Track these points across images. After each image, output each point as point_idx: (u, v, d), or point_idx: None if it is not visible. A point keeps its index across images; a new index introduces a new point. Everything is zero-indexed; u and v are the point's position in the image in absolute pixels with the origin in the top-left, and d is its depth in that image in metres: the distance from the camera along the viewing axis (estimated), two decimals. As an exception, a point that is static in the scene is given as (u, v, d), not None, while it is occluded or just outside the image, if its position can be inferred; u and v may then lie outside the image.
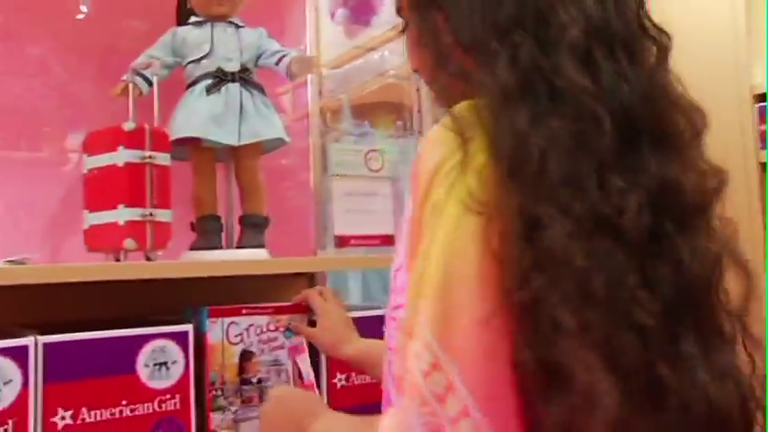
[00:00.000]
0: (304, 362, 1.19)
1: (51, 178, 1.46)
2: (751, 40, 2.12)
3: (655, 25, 0.66)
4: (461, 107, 0.62)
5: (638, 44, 0.64)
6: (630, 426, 0.53)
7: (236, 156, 1.37)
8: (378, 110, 1.85)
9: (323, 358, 1.26)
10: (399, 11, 0.81)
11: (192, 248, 1.33)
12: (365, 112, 1.83)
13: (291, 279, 1.48)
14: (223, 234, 1.38)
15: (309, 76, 1.60)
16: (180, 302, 1.26)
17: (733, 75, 2.13)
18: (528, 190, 0.56)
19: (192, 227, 1.35)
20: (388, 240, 1.36)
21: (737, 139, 2.06)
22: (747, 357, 0.62)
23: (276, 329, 1.24)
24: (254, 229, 1.36)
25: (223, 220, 1.38)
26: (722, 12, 2.16)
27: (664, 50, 0.65)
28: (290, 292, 1.37)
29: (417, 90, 1.63)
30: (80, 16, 1.47)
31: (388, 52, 1.74)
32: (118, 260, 1.19)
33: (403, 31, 0.80)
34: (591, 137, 0.58)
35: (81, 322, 1.11)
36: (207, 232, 1.34)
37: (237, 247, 1.35)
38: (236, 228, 1.39)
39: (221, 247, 1.35)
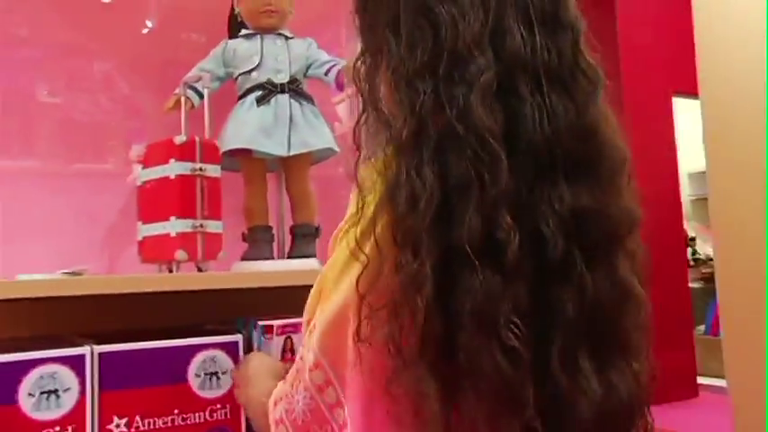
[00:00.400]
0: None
1: (113, 190, 1.50)
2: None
3: (589, 63, 0.68)
4: (368, 167, 0.67)
5: (571, 80, 0.66)
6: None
7: (287, 166, 1.38)
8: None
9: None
10: None
11: (243, 259, 1.34)
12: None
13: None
14: (274, 244, 1.39)
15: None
16: (231, 313, 1.28)
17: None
18: (398, 230, 0.62)
19: (244, 237, 1.37)
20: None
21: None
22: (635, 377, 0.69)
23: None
24: (305, 239, 1.37)
25: (274, 231, 1.39)
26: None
27: (594, 86, 0.68)
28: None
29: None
30: (144, 31, 1.52)
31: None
32: (170, 271, 1.21)
33: None
34: (485, 175, 0.60)
35: (135, 332, 1.14)
36: (258, 242, 1.35)
37: (289, 258, 1.36)
38: (288, 238, 1.40)
39: (272, 258, 1.36)
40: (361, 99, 0.69)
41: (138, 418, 1.07)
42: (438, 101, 0.63)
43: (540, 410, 0.61)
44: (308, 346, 0.72)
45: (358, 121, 0.68)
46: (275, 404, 0.79)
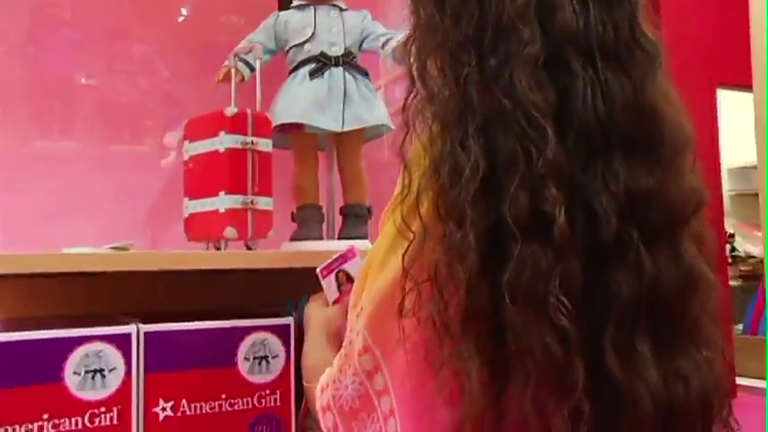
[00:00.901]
0: (357, 266, 0.99)
1: (153, 169, 1.46)
2: None
3: (647, 37, 0.66)
4: (416, 143, 0.66)
5: (628, 55, 0.64)
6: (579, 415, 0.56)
7: (339, 143, 1.32)
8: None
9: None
10: None
11: (292, 239, 1.29)
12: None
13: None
14: (324, 225, 1.33)
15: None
16: (281, 295, 1.22)
17: None
18: (442, 203, 0.61)
19: (293, 217, 1.31)
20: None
21: None
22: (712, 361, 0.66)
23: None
24: (356, 219, 1.31)
25: (324, 210, 1.33)
26: None
27: (653, 62, 0.65)
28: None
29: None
30: (183, 11, 1.47)
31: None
32: (218, 249, 1.16)
33: None
34: (532, 150, 0.59)
35: (181, 313, 1.09)
36: (308, 222, 1.29)
37: (339, 239, 1.30)
38: (338, 218, 1.34)
39: (322, 238, 1.31)
40: (409, 77, 0.68)
41: (184, 401, 1.02)
42: (483, 74, 0.62)
43: (592, 397, 0.57)
44: (355, 330, 0.71)
45: (407, 99, 0.67)
46: (322, 391, 0.76)
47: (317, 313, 1.01)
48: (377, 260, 0.69)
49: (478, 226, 0.59)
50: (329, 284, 0.99)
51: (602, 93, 0.62)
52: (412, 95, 0.67)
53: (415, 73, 0.67)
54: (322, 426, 0.74)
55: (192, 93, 1.47)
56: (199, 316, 1.07)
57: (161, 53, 1.49)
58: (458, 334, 0.59)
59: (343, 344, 0.74)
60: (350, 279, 0.95)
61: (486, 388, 0.57)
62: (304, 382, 0.94)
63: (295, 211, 1.31)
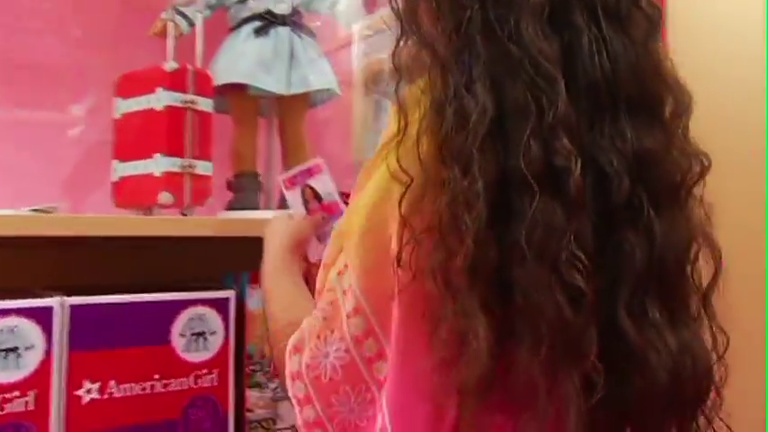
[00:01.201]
0: (323, 182, 0.91)
1: (75, 129, 1.33)
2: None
3: (649, 1, 0.65)
4: (411, 87, 0.62)
5: (629, 16, 0.62)
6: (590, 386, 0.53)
7: (282, 107, 1.24)
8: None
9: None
10: None
11: (228, 208, 1.20)
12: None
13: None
14: (261, 194, 1.25)
15: (356, 34, 1.46)
16: (218, 267, 1.14)
17: None
18: (446, 147, 0.57)
19: (229, 185, 1.22)
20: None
21: None
22: (711, 338, 0.63)
23: (323, 299, 1.11)
24: (297, 189, 1.23)
25: (261, 179, 1.25)
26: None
27: (655, 24, 0.64)
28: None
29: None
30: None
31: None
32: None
33: None
34: (543, 99, 0.56)
35: (108, 287, 0.99)
36: (245, 191, 1.21)
37: (279, 209, 1.22)
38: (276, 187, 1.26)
39: (260, 208, 1.23)
40: (399, 20, 0.64)
41: (112, 382, 0.93)
42: (486, 19, 0.58)
43: (605, 364, 0.54)
44: (340, 288, 0.63)
45: (397, 45, 0.63)
46: (294, 352, 0.67)
47: (280, 224, 0.93)
48: (363, 209, 0.63)
49: (487, 174, 0.54)
50: (294, 197, 0.90)
51: (607, 51, 0.59)
52: (403, 40, 0.62)
53: (405, 18, 0.63)
54: (289, 393, 0.66)
55: (115, 50, 1.34)
56: (129, 289, 0.98)
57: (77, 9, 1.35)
58: (463, 289, 0.54)
59: (318, 306, 0.67)
60: (317, 197, 0.88)
61: (491, 349, 0.53)
62: (263, 307, 0.84)
63: (232, 178, 1.22)
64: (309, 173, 0.79)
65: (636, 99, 0.60)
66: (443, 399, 0.57)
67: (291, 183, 0.80)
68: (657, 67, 0.63)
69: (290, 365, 0.66)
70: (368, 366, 0.62)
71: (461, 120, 0.56)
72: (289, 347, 0.68)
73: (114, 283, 1.03)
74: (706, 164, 0.64)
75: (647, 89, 0.61)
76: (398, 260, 0.57)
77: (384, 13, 1.63)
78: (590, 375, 0.53)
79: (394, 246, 0.58)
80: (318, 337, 0.65)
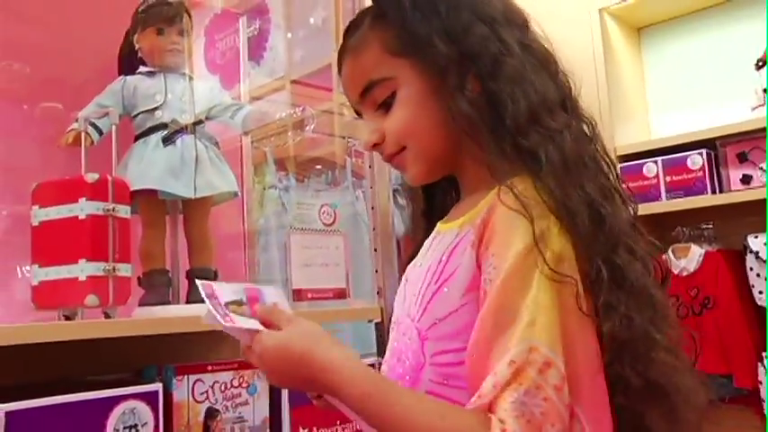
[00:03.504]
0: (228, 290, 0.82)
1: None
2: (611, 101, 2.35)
3: None
4: (522, 188, 0.72)
5: None
6: None
7: (187, 208, 1.34)
8: (303, 163, 1.88)
9: (285, 410, 1.25)
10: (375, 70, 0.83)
11: (141, 304, 1.27)
12: (287, 165, 1.86)
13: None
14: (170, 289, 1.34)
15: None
16: (137, 361, 1.21)
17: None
18: (595, 246, 0.72)
19: (139, 282, 1.30)
20: (341, 294, 1.38)
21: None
22: None
23: (240, 385, 1.22)
24: (203, 282, 1.33)
25: (170, 275, 1.34)
26: (584, 74, 2.38)
27: None
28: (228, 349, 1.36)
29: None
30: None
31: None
32: (68, 318, 1.12)
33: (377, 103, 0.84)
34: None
35: (23, 386, 1.04)
36: (156, 287, 1.29)
37: (187, 302, 1.31)
38: (183, 282, 1.35)
39: (170, 302, 1.31)
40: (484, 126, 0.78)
41: (49, 482, 0.98)
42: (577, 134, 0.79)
43: None
44: (525, 345, 0.65)
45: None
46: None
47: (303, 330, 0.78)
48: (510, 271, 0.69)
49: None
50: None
51: None
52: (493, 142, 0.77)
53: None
54: None
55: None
56: (55, 389, 1.03)
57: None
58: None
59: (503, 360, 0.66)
60: (242, 303, 0.81)
61: None
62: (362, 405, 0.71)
63: (142, 275, 1.30)
64: (209, 293, 0.78)
65: None
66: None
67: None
68: None
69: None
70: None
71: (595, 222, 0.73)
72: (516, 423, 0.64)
73: (34, 383, 1.07)
74: None
75: None
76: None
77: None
78: None
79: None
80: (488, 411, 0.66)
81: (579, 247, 0.70)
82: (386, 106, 0.84)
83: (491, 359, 0.66)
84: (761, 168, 2.23)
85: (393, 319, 0.88)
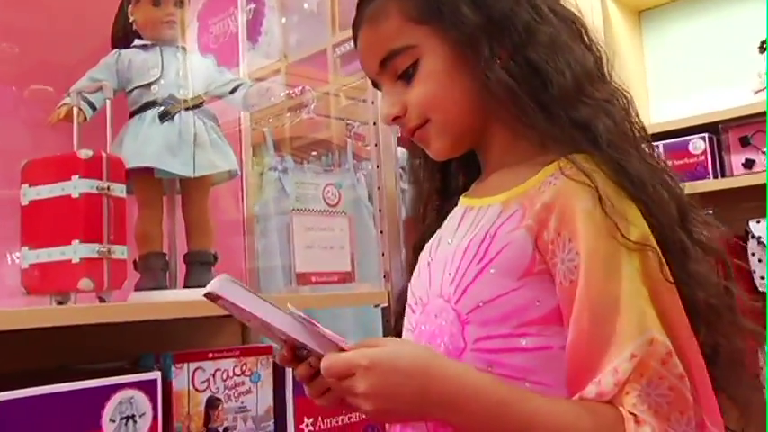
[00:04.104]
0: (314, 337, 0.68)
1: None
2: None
3: None
4: (584, 162, 0.69)
5: None
6: None
7: (186, 188, 1.28)
8: (302, 147, 1.83)
9: (289, 399, 1.20)
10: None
11: (137, 288, 1.21)
12: (284, 147, 1.80)
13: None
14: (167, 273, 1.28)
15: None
16: (134, 348, 1.15)
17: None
18: (668, 215, 0.69)
19: (135, 265, 1.24)
20: (346, 278, 1.33)
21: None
22: None
23: (242, 373, 1.16)
24: (201, 266, 1.27)
25: (167, 258, 1.28)
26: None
27: None
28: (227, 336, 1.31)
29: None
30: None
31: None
32: (60, 303, 1.06)
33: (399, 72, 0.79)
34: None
35: (18, 374, 0.98)
36: (152, 271, 1.23)
37: (185, 287, 1.25)
38: (181, 266, 1.29)
39: (167, 287, 1.25)
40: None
41: (43, 475, 0.92)
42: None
43: None
44: (641, 339, 0.63)
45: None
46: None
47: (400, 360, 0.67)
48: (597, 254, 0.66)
49: None
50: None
51: None
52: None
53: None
54: None
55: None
56: (49, 377, 0.98)
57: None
58: None
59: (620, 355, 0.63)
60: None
61: None
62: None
63: (138, 259, 1.24)
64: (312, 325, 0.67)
65: None
66: None
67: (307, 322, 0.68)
68: None
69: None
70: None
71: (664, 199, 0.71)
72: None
73: (29, 370, 1.02)
74: None
75: None
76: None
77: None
78: None
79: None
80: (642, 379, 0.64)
81: (653, 217, 0.68)
82: (407, 77, 0.79)
83: (599, 354, 0.64)
84: (763, 153, 2.21)
85: (411, 301, 0.83)
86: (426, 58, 0.77)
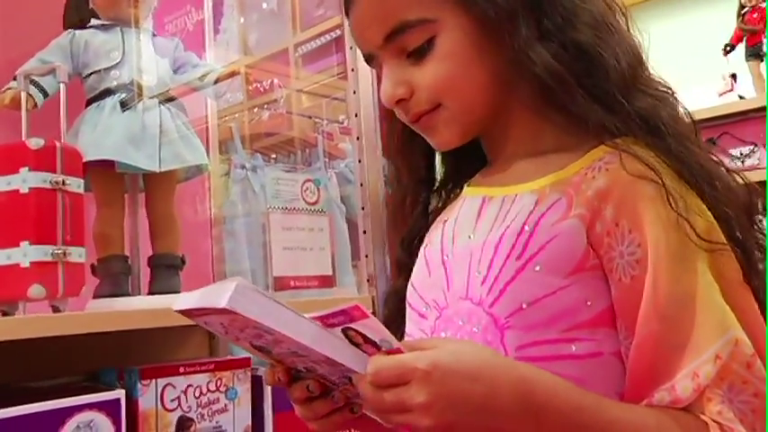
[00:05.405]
0: (371, 328, 0.55)
1: None
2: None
3: None
4: (636, 148, 0.62)
5: None
6: None
7: (150, 185, 1.16)
8: (272, 146, 1.73)
9: (268, 417, 1.08)
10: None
11: (96, 296, 1.09)
12: (252, 143, 1.69)
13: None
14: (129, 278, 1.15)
15: (209, 100, 1.41)
16: (93, 362, 1.03)
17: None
18: (736, 208, 0.62)
19: (93, 269, 1.11)
20: (326, 282, 1.21)
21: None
22: None
23: (217, 389, 1.04)
24: (167, 270, 1.15)
25: (130, 262, 1.15)
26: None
27: None
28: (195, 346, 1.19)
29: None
30: None
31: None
32: (5, 314, 0.94)
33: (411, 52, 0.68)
34: None
35: None
36: (113, 276, 1.11)
37: (150, 293, 1.13)
38: (145, 269, 1.17)
39: (130, 294, 1.12)
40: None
41: None
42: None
43: None
44: (723, 339, 0.56)
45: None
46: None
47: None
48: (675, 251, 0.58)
49: None
50: (334, 339, 0.59)
51: None
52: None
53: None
54: None
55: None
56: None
57: None
58: None
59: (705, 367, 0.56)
60: (368, 341, 0.56)
61: None
62: None
63: (96, 262, 1.11)
64: (349, 317, 0.54)
65: None
66: None
67: (325, 324, 0.56)
68: None
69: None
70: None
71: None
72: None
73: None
74: None
75: None
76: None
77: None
78: None
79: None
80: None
81: (719, 212, 0.60)
82: (417, 54, 0.68)
83: (671, 357, 0.57)
84: (730, 154, 2.20)
85: (419, 305, 0.72)
86: (445, 35, 0.67)
